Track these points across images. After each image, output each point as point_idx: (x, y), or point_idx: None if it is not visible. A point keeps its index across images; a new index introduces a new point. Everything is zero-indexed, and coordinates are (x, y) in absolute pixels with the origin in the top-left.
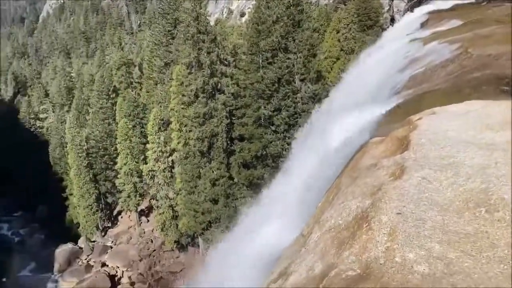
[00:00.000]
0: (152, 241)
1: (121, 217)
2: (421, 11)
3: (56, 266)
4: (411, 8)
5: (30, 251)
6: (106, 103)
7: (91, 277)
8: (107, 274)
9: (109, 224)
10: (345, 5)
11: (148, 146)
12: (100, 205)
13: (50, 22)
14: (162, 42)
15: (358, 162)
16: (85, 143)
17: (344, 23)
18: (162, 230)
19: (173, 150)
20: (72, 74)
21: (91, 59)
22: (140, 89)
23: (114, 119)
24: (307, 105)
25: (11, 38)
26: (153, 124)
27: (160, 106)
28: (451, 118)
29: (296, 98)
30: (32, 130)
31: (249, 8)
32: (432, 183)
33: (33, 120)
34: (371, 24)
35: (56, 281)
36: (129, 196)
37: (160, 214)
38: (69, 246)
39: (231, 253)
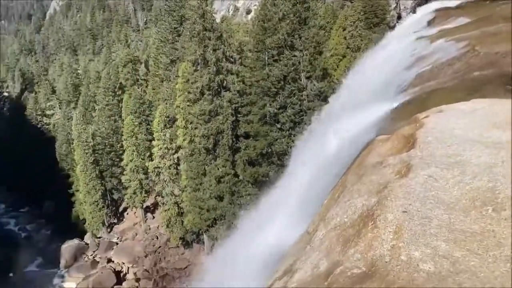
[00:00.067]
0: (157, 238)
1: (127, 214)
2: (427, 9)
3: (63, 262)
4: (418, 6)
5: (36, 247)
6: (112, 100)
7: (97, 273)
8: (113, 270)
9: (115, 221)
10: (351, 2)
11: (154, 143)
12: (106, 201)
13: (57, 19)
14: (168, 39)
15: (364, 160)
16: (92, 140)
17: (351, 20)
18: (167, 226)
19: (179, 147)
20: (78, 71)
21: (97, 56)
22: (146, 86)
23: (120, 116)
24: (312, 102)
25: (19, 35)
26: (159, 121)
27: (166, 103)
28: (458, 116)
29: (301, 95)
30: (39, 126)
31: (255, 5)
32: (439, 181)
33: (40, 117)
34: (377, 22)
35: (63, 277)
36: (135, 193)
37: (165, 210)
38: (75, 242)
39: (236, 251)
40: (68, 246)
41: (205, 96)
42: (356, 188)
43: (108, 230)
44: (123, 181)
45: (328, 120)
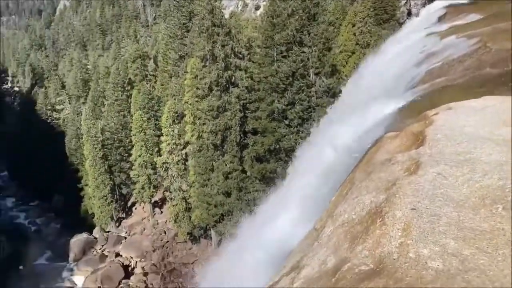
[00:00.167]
0: (165, 233)
1: (135, 208)
2: (438, 5)
3: (71, 255)
4: (428, 2)
5: (46, 240)
6: (121, 96)
7: (105, 267)
8: (121, 264)
9: (123, 215)
10: None
11: (162, 138)
12: (115, 196)
13: (67, 14)
14: (177, 35)
15: (373, 157)
16: (101, 135)
17: (360, 16)
18: (175, 221)
19: (187, 143)
20: (88, 66)
21: (107, 52)
22: (155, 82)
23: (129, 111)
24: (321, 99)
25: (29, 30)
26: (167, 116)
27: (175, 99)
28: (468, 113)
29: (310, 92)
30: (48, 121)
31: (264, 1)
32: (448, 179)
33: (49, 112)
34: (387, 18)
35: (71, 270)
36: (143, 188)
37: (173, 206)
38: (84, 236)
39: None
40: (77, 240)
41: (213, 92)
42: (364, 185)
43: (117, 224)
44: (131, 176)
45: (327, 127)
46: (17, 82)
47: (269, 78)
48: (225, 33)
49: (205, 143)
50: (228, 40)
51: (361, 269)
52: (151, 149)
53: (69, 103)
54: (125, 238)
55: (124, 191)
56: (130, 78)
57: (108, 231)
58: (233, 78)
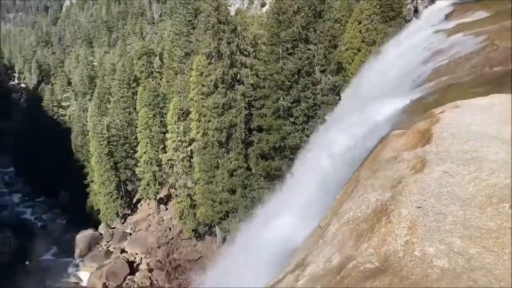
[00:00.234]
0: (170, 229)
1: (141, 205)
2: (445, 3)
3: (77, 251)
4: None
5: (52, 236)
6: (127, 92)
7: (111, 263)
8: (126, 260)
9: (129, 212)
10: None
11: (167, 135)
12: (120, 192)
13: (73, 11)
14: (182, 32)
15: (378, 155)
16: (106, 132)
17: (366, 14)
18: (180, 218)
19: (192, 140)
20: (94, 63)
21: (113, 49)
22: (161, 79)
23: (135, 108)
24: (326, 96)
25: (36, 27)
26: (172, 114)
27: (180, 96)
28: (475, 111)
29: (315, 89)
30: (55, 118)
31: None
32: (454, 177)
33: (56, 108)
34: (393, 15)
35: (77, 266)
36: (148, 184)
37: (178, 202)
38: (89, 232)
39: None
40: (83, 236)
41: (218, 89)
42: (370, 183)
43: (122, 221)
44: (137, 172)
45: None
46: (24, 78)
47: (275, 76)
48: (230, 30)
49: (210, 140)
50: (233, 37)
51: (366, 267)
52: (156, 146)
53: (75, 100)
54: (130, 234)
55: (129, 187)
56: (136, 75)
57: (114, 228)
58: (239, 75)
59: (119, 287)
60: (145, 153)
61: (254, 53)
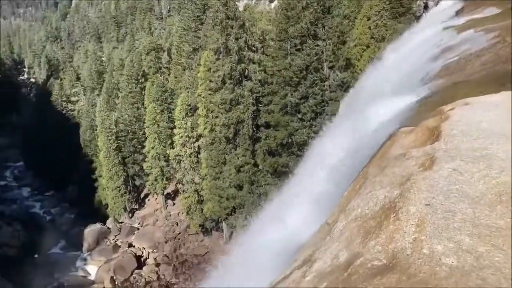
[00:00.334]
0: (177, 224)
1: (148, 200)
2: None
3: (85, 245)
4: None
5: (60, 230)
6: (135, 88)
7: (118, 257)
8: (134, 254)
9: (136, 206)
10: None
11: (175, 131)
12: (128, 187)
13: (82, 6)
14: (191, 27)
15: (387, 152)
16: (115, 127)
17: (376, 10)
18: (187, 213)
19: (200, 136)
20: (102, 58)
21: (121, 44)
22: (169, 74)
23: (143, 104)
24: (335, 93)
25: (45, 22)
26: (180, 109)
27: (188, 92)
28: (485, 109)
29: (324, 86)
30: (63, 112)
31: None
32: (463, 175)
33: (64, 103)
34: (403, 11)
35: (85, 259)
36: (156, 180)
37: (185, 198)
38: (97, 226)
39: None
40: (91, 230)
41: (226, 85)
42: (378, 180)
43: (130, 215)
44: (144, 168)
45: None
46: (33, 73)
47: (283, 72)
48: (239, 26)
49: (217, 136)
50: (241, 33)
51: (373, 264)
52: (164, 141)
53: (84, 95)
54: (138, 229)
55: (137, 182)
56: (144, 71)
57: (121, 222)
58: (246, 71)
59: (126, 281)
60: (152, 148)
61: (262, 49)
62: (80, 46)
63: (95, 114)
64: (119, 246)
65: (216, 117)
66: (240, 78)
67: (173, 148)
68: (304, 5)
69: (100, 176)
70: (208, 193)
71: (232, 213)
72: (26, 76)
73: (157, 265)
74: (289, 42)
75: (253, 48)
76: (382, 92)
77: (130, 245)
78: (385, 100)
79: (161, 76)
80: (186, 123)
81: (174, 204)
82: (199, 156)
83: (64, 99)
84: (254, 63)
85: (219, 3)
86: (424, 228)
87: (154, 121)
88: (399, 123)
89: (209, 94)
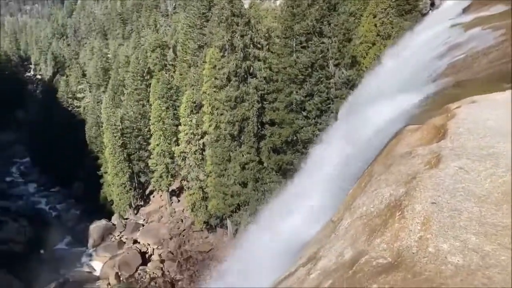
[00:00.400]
0: (182, 221)
1: (153, 197)
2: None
3: (91, 241)
4: None
5: (66, 226)
6: (141, 85)
7: (123, 253)
8: (139, 250)
9: (142, 203)
10: None
11: (180, 128)
12: (133, 184)
13: (88, 3)
14: (196, 24)
15: (393, 150)
16: (120, 123)
17: (382, 7)
18: (192, 210)
19: (205, 133)
20: (108, 55)
21: (127, 41)
22: (174, 72)
23: (148, 101)
24: (340, 91)
25: (51, 19)
26: (185, 106)
27: (193, 89)
28: (492, 107)
29: (329, 83)
30: (69, 109)
31: None
32: (470, 173)
33: (70, 100)
34: (409, 9)
35: (90, 255)
36: (161, 176)
37: (190, 195)
38: (103, 222)
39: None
40: (96, 226)
41: (231, 82)
42: (383, 178)
43: (135, 212)
44: (150, 164)
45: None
46: (39, 70)
47: (288, 69)
48: (244, 23)
49: (222, 134)
50: (247, 30)
51: (379, 262)
52: (169, 138)
53: (90, 92)
54: (143, 225)
55: (142, 179)
56: (149, 68)
57: (127, 218)
58: (252, 68)
59: (131, 277)
60: (158, 145)
61: (267, 46)
62: (86, 43)
63: (100, 110)
64: (124, 242)
65: (221, 114)
66: (245, 76)
67: (178, 145)
68: (310, 2)
69: (106, 172)
70: (213, 190)
71: (237, 210)
72: (32, 72)
73: (162, 261)
74: (294, 39)
75: (258, 46)
76: (384, 93)
77: (135, 242)
78: (389, 99)
79: (166, 73)
80: (191, 120)
81: (179, 201)
82: (204, 153)
83: (70, 95)
84: (259, 60)
85: (224, 0)
86: (429, 226)
87: (159, 118)
88: (405, 121)
89: (214, 91)
